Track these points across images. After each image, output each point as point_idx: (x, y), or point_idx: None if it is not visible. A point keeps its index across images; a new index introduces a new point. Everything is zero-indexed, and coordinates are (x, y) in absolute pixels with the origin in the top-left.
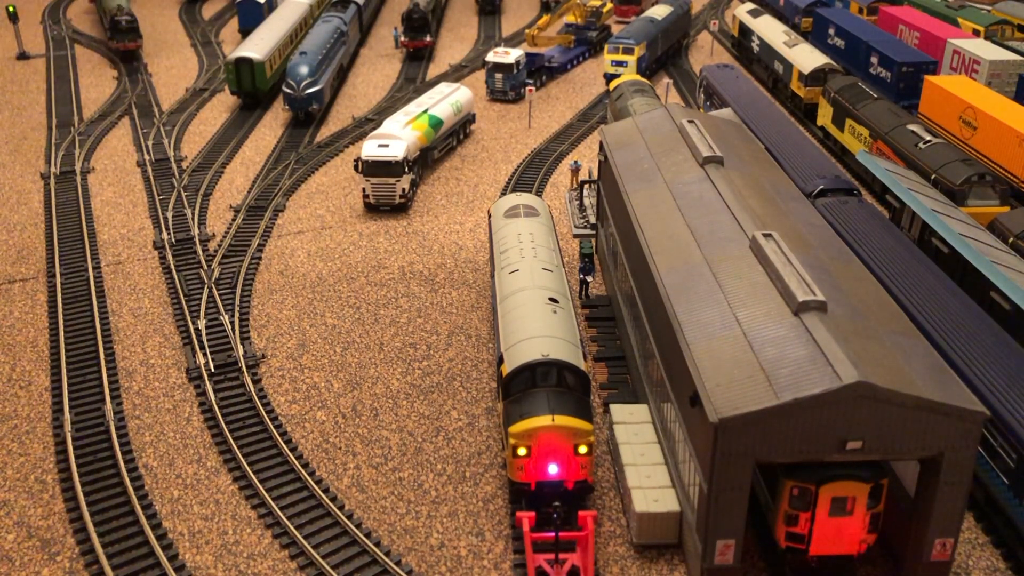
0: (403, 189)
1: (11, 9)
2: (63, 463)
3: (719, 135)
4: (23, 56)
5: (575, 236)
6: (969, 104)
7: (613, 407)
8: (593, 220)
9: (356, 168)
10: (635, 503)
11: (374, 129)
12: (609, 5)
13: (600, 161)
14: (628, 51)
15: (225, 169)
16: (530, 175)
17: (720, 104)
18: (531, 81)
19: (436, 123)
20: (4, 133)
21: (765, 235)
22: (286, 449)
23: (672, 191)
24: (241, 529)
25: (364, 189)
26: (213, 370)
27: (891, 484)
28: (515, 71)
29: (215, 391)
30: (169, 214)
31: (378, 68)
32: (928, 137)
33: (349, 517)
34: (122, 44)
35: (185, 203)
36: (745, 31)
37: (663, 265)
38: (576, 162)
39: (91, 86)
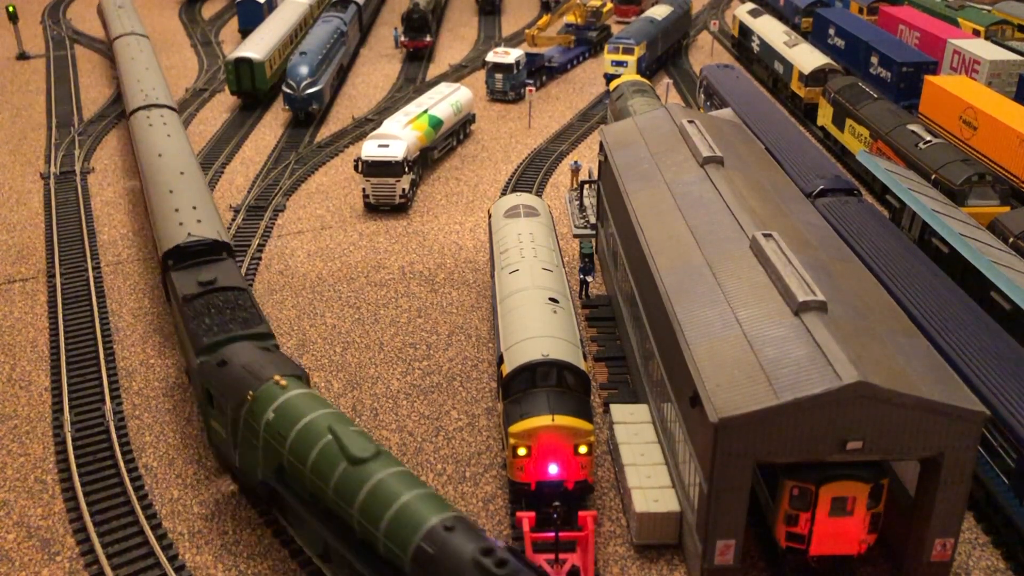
0: (403, 189)
1: (11, 9)
2: (63, 463)
3: (719, 135)
4: (23, 56)
5: (575, 236)
6: (969, 104)
7: (613, 407)
8: (593, 220)
9: (356, 168)
10: (635, 503)
11: (374, 129)
12: (609, 5)
13: (600, 161)
14: (628, 51)
15: (225, 169)
16: (530, 175)
17: (720, 104)
18: (531, 81)
19: (436, 123)
20: (4, 133)
21: (765, 235)
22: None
23: (672, 191)
24: (241, 529)
25: (364, 189)
26: None
27: (891, 484)
28: (515, 71)
29: None
30: None
31: (378, 68)
32: (928, 137)
33: None
34: None
35: None
36: (745, 31)
37: (663, 265)
38: (576, 162)
39: (91, 86)
